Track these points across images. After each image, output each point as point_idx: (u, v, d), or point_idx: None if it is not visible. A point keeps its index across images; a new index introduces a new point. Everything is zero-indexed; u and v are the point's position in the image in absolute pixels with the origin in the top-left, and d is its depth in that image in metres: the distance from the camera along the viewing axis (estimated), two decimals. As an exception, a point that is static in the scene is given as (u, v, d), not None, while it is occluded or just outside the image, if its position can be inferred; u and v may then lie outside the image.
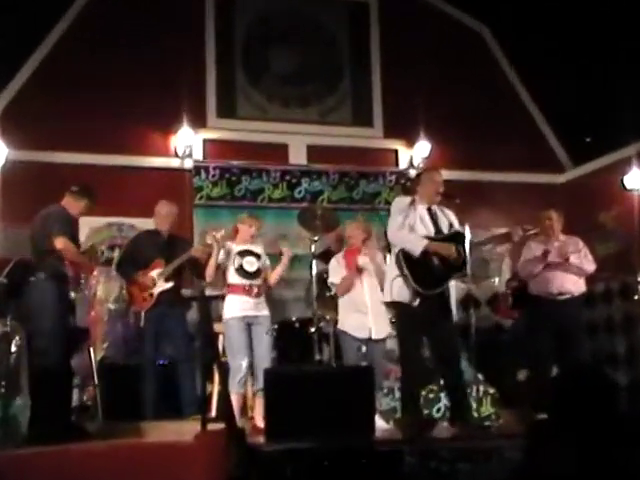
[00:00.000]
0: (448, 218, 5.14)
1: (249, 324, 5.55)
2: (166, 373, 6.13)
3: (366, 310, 5.61)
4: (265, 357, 5.58)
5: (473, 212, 5.32)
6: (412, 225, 4.98)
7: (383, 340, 5.73)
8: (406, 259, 4.91)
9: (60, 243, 5.23)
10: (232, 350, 5.52)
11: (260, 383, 5.26)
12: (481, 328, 7.45)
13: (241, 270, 5.59)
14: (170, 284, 5.99)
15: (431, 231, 5.05)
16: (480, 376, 5.96)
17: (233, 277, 5.59)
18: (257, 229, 5.83)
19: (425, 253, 4.89)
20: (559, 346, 6.14)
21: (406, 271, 4.86)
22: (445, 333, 5.00)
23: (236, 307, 5.54)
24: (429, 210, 5.12)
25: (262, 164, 8.30)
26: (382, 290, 5.40)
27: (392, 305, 5.16)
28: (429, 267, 4.90)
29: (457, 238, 4.97)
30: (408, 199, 5.17)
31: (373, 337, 5.58)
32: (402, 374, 5.11)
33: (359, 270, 5.73)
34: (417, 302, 4.89)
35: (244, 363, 5.43)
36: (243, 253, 5.68)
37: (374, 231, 6.14)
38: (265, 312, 5.66)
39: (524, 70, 9.02)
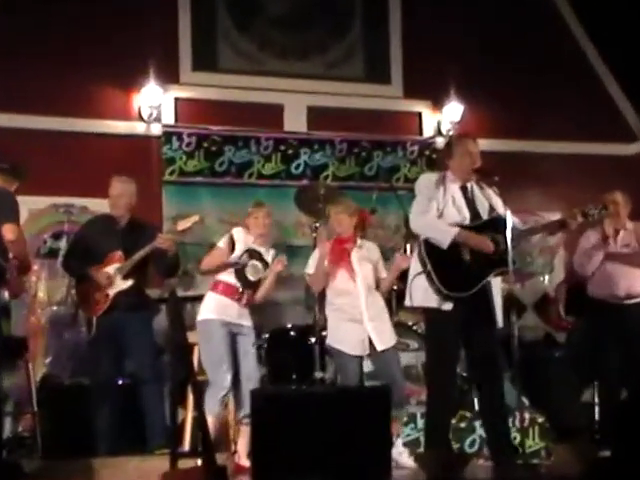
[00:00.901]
0: (489, 199, 5.09)
1: (233, 333, 5.62)
2: (126, 396, 6.12)
3: (361, 317, 5.58)
4: (252, 375, 5.63)
5: (517, 192, 5.28)
6: (441, 209, 4.98)
7: (393, 350, 5.69)
8: (430, 252, 4.91)
9: (10, 232, 5.11)
10: (212, 359, 5.54)
11: (246, 409, 5.31)
12: (526, 340, 7.49)
13: (242, 272, 5.67)
14: (130, 282, 5.97)
15: (466, 216, 5.02)
16: (525, 400, 5.91)
17: (229, 275, 5.65)
18: (265, 217, 5.81)
19: (455, 245, 4.89)
20: (628, 363, 6.13)
21: (429, 267, 4.88)
22: (485, 346, 4.98)
23: (220, 308, 5.61)
24: (463, 189, 5.09)
25: (250, 130, 8.25)
26: (377, 288, 5.61)
27: (416, 311, 5.14)
28: (459, 263, 4.91)
29: (497, 225, 4.94)
30: (436, 176, 5.16)
31: (378, 348, 5.56)
32: (428, 397, 5.10)
33: (350, 267, 5.69)
34: (449, 306, 4.87)
35: (229, 376, 5.45)
36: (253, 254, 5.72)
37: (377, 216, 6.11)
38: (250, 323, 5.74)
39: (588, 18, 8.97)
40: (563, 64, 8.93)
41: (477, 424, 5.65)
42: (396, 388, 5.44)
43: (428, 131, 8.78)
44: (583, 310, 6.71)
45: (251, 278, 5.67)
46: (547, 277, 8.23)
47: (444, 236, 4.87)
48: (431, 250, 4.91)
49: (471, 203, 5.06)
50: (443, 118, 8.72)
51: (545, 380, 6.80)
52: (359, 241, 5.77)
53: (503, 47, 8.60)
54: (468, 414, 5.75)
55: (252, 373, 5.62)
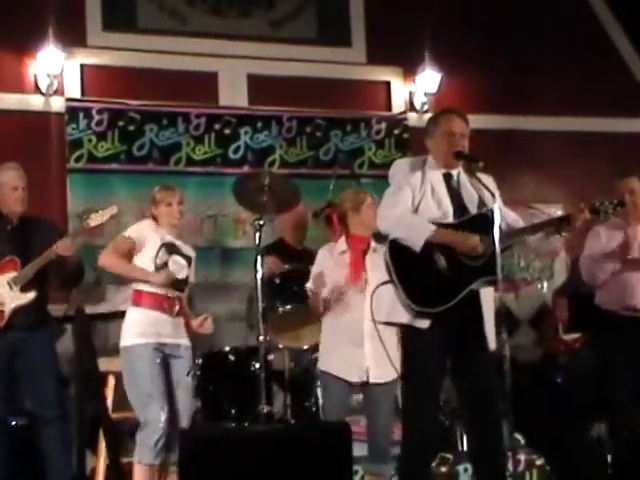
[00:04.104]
0: (479, 191, 5.07)
1: (166, 356, 5.62)
2: (23, 438, 6.08)
3: (362, 341, 5.60)
4: (187, 411, 5.65)
5: (507, 180, 5.35)
6: (417, 202, 4.97)
7: (391, 385, 5.72)
8: (396, 257, 4.89)
9: None
10: (140, 395, 5.51)
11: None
12: (521, 362, 7.51)
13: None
14: (32, 295, 5.89)
15: (447, 211, 4.99)
16: (520, 438, 5.98)
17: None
18: (179, 203, 5.81)
19: (428, 249, 4.86)
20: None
21: (394, 276, 4.87)
22: (476, 373, 4.96)
23: (147, 327, 5.58)
24: (447, 178, 5.08)
25: (177, 105, 8.26)
26: None
27: (390, 327, 5.17)
28: (431, 270, 4.88)
29: (485, 224, 4.85)
30: (413, 160, 5.16)
31: (370, 380, 5.58)
32: (403, 435, 5.09)
33: (359, 276, 5.67)
34: (425, 323, 4.85)
35: (163, 415, 5.43)
36: (171, 248, 5.70)
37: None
38: (186, 340, 5.75)
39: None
40: (566, 21, 9.04)
41: (461, 469, 5.67)
42: (380, 435, 5.49)
43: (398, 105, 8.84)
44: (590, 324, 6.76)
45: (179, 276, 5.66)
46: (546, 284, 8.29)
47: (417, 236, 4.85)
48: (398, 254, 4.88)
49: (456, 195, 5.03)
50: (416, 89, 8.77)
51: (544, 412, 6.81)
52: (373, 243, 5.73)
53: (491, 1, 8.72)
54: (450, 456, 5.77)
55: (185, 409, 5.63)
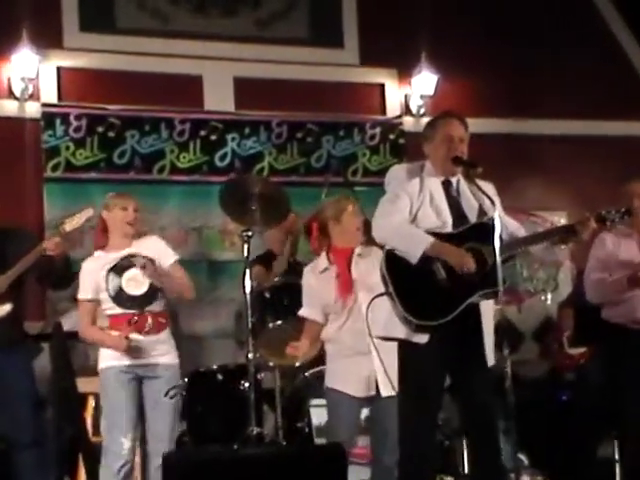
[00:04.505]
0: (480, 200, 5.04)
1: (139, 378, 5.61)
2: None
3: (367, 350, 5.49)
4: (164, 433, 5.61)
5: (508, 186, 5.28)
6: (415, 211, 4.95)
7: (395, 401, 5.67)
8: (393, 268, 4.86)
9: None
10: (106, 419, 5.54)
11: (157, 477, 5.24)
12: (525, 378, 7.47)
13: (121, 296, 5.60)
14: (8, 308, 5.77)
15: (446, 220, 4.97)
16: (524, 458, 5.98)
17: (109, 305, 5.64)
18: (135, 210, 5.75)
19: (426, 259, 4.83)
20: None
21: (391, 288, 4.83)
22: (475, 387, 4.93)
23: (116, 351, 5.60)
24: (446, 185, 5.05)
25: (160, 110, 8.23)
26: None
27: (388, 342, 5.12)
28: (431, 282, 4.86)
29: (485, 233, 4.85)
30: (411, 167, 5.12)
31: (382, 394, 5.48)
32: (401, 456, 5.03)
33: (348, 283, 5.58)
34: (424, 338, 4.83)
35: (126, 442, 5.43)
36: (120, 268, 5.62)
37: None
38: (168, 358, 5.72)
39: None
40: (569, 20, 9.04)
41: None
42: (388, 452, 5.36)
43: (393, 109, 8.83)
44: (596, 338, 6.68)
45: (133, 291, 5.58)
46: (550, 296, 8.28)
47: (414, 247, 4.83)
48: (395, 265, 4.86)
49: (455, 203, 5.02)
50: (412, 92, 8.76)
51: (549, 431, 6.82)
52: (358, 248, 5.66)
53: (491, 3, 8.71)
54: (450, 479, 5.81)
55: (165, 431, 5.59)
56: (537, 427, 6.60)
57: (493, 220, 4.80)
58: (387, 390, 5.45)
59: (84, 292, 5.63)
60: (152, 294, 5.61)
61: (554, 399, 7.46)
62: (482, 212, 4.98)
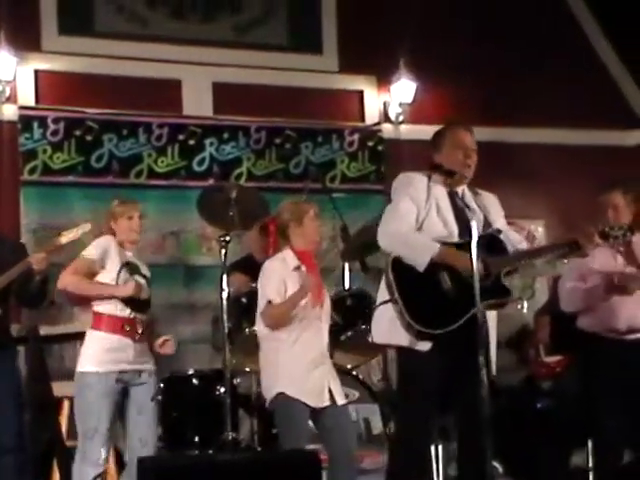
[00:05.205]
0: (485, 210, 5.08)
1: (125, 386, 5.57)
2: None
3: (324, 361, 5.56)
4: (149, 438, 5.59)
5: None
6: (422, 219, 4.96)
7: (348, 407, 5.69)
8: (399, 276, 4.85)
9: None
10: (84, 426, 5.46)
11: None
12: (500, 386, 7.46)
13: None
14: None
15: (453, 230, 4.98)
16: (499, 467, 6.00)
17: (110, 302, 5.56)
18: (140, 217, 5.74)
19: (432, 267, 4.84)
20: (632, 416, 6.06)
21: (397, 295, 4.83)
22: (471, 398, 4.84)
23: (106, 354, 5.52)
24: (452, 195, 5.06)
25: (138, 114, 8.23)
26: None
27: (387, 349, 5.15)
28: (436, 291, 4.87)
29: (491, 244, 4.91)
30: (418, 175, 5.10)
31: (338, 402, 5.52)
32: (392, 466, 5.06)
33: (316, 290, 5.60)
34: (426, 346, 4.84)
35: (103, 451, 5.40)
36: (132, 268, 5.63)
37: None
38: (151, 364, 5.71)
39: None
40: (550, 32, 9.07)
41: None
42: (351, 457, 5.43)
43: (372, 116, 8.85)
44: (572, 347, 6.70)
45: (142, 296, 5.58)
46: (526, 304, 8.28)
47: (421, 255, 4.83)
48: (402, 272, 4.85)
49: (461, 214, 5.00)
50: (391, 99, 8.79)
51: (524, 439, 6.81)
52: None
53: (470, 5, 8.72)
54: None
55: (149, 436, 5.57)
56: (512, 435, 6.60)
57: (498, 232, 4.91)
58: (341, 398, 5.52)
59: (92, 251, 5.54)
60: (148, 304, 5.65)
61: (530, 407, 7.40)
62: (487, 224, 5.01)
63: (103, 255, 5.54)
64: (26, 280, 5.74)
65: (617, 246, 5.85)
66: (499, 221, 5.10)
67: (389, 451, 5.13)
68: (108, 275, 5.54)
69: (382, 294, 4.99)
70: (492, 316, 5.03)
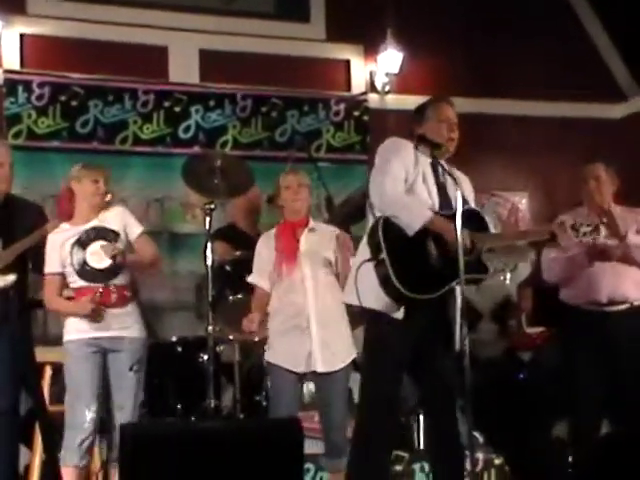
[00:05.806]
0: (459, 186, 4.99)
1: (103, 351, 5.56)
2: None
3: (307, 325, 5.58)
4: (127, 405, 5.55)
5: (470, 165, 5.31)
6: (410, 183, 4.96)
7: (343, 373, 5.68)
8: (388, 236, 4.83)
9: None
10: (69, 393, 5.51)
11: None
12: (481, 358, 7.53)
13: (85, 269, 5.54)
14: (13, 278, 5.69)
15: (435, 201, 5.01)
16: (479, 437, 6.00)
17: (73, 278, 5.56)
18: (105, 183, 5.69)
19: (420, 235, 4.84)
20: (611, 389, 6.13)
21: (384, 255, 4.80)
22: (439, 368, 4.98)
23: (82, 323, 5.54)
24: (434, 167, 5.09)
25: (124, 80, 8.21)
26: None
27: (358, 312, 5.13)
28: (422, 257, 4.87)
29: (470, 221, 4.91)
30: (406, 142, 5.10)
31: (318, 370, 5.55)
32: (358, 429, 5.07)
33: (295, 257, 5.63)
34: (400, 314, 4.84)
35: (89, 414, 5.41)
36: (84, 241, 5.56)
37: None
38: (133, 331, 5.64)
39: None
40: (536, 2, 9.06)
41: (417, 467, 5.69)
42: (334, 432, 5.48)
43: (358, 85, 8.85)
44: (554, 319, 6.75)
45: (100, 266, 5.51)
46: (509, 276, 8.31)
47: (414, 219, 4.83)
48: (391, 233, 4.83)
49: (442, 187, 5.06)
50: (377, 69, 8.79)
51: (504, 410, 6.84)
52: (311, 222, 5.73)
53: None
54: (405, 454, 5.79)
55: (130, 404, 5.54)
56: (494, 406, 6.62)
57: (481, 208, 4.94)
58: (325, 366, 5.54)
59: (50, 266, 5.56)
60: (116, 267, 5.53)
61: (511, 378, 7.47)
62: (465, 201, 4.94)
63: (60, 258, 5.54)
64: (41, 247, 5.73)
65: (585, 242, 5.91)
66: (471, 199, 5.13)
67: (357, 419, 5.10)
68: (67, 264, 5.52)
69: (362, 253, 4.95)
70: (458, 291, 5.01)
